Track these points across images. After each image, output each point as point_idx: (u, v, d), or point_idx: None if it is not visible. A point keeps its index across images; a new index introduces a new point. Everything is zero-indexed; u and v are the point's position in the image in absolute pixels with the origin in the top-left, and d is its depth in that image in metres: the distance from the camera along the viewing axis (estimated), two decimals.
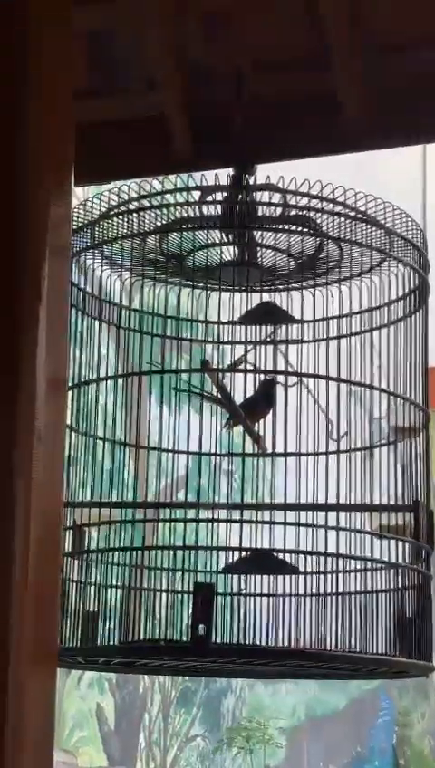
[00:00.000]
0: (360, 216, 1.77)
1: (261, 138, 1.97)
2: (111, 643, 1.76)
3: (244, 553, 1.75)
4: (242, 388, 1.85)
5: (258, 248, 1.87)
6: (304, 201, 1.75)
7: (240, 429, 1.92)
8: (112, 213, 1.81)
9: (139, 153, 2.17)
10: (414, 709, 8.84)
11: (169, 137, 2.14)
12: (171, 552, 1.78)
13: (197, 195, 1.79)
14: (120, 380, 1.86)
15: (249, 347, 1.89)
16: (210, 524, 1.72)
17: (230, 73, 1.97)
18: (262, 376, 1.86)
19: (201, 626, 1.57)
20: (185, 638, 1.67)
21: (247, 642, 1.79)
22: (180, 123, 2.13)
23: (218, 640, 1.70)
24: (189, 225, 1.81)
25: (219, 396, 1.87)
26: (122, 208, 1.81)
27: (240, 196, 1.81)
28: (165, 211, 1.79)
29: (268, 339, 1.90)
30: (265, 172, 1.84)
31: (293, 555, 1.75)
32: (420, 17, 2.00)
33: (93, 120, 2.11)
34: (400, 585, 1.80)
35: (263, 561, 1.78)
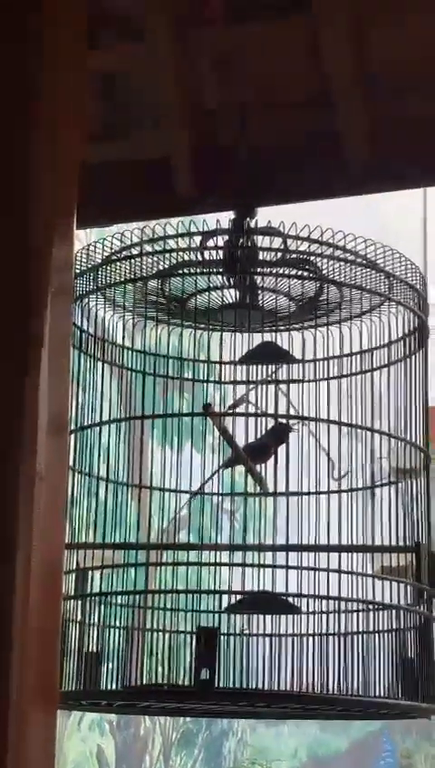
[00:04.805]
0: (360, 260, 1.79)
1: (263, 181, 1.99)
2: (114, 685, 1.75)
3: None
4: (244, 429, 1.85)
5: (259, 291, 1.88)
6: (305, 246, 1.77)
7: (242, 469, 1.92)
8: (115, 258, 1.83)
9: (142, 196, 2.19)
10: (417, 751, 8.75)
11: (172, 180, 2.16)
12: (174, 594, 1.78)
13: (198, 239, 1.81)
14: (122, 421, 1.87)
15: (250, 386, 1.89)
16: (212, 567, 1.72)
17: (234, 117, 1.99)
18: (266, 418, 1.86)
19: (205, 670, 1.57)
20: (187, 680, 1.66)
21: (249, 684, 1.78)
22: (184, 166, 2.15)
23: (221, 682, 1.69)
24: (191, 270, 1.83)
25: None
26: (125, 253, 1.83)
27: (241, 240, 1.82)
28: (167, 255, 1.81)
29: (269, 378, 1.91)
30: (266, 216, 1.86)
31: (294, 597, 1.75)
32: (422, 60, 2.01)
33: (97, 161, 2.13)
34: (401, 626, 1.79)
35: (265, 602, 1.77)
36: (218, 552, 1.73)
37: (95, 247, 1.86)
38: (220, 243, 1.82)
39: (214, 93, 2.14)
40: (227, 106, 2.09)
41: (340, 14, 1.94)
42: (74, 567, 1.79)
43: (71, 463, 1.81)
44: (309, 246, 1.77)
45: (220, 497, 1.89)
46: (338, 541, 1.74)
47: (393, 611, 1.79)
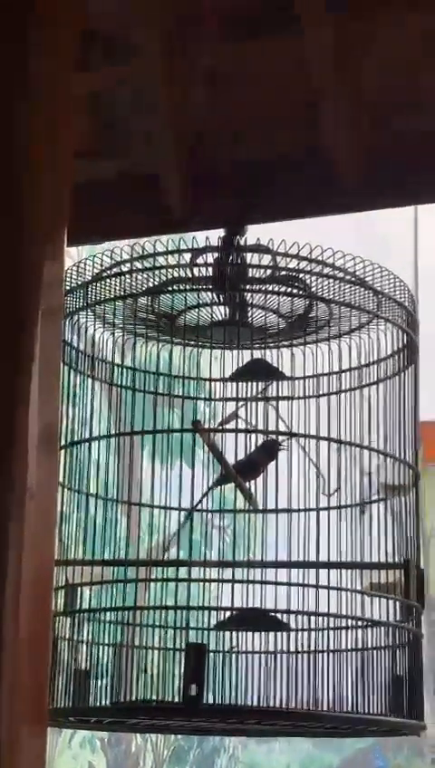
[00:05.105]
0: (349, 277, 1.80)
1: (253, 199, 2.00)
2: (104, 702, 1.75)
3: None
4: (233, 445, 1.86)
5: (249, 308, 1.89)
6: (294, 263, 1.78)
7: (232, 485, 1.92)
8: (105, 274, 1.84)
9: (133, 213, 2.19)
10: (409, 767, 8.73)
11: (163, 197, 2.16)
12: (163, 610, 1.78)
13: (188, 256, 1.82)
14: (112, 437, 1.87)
15: (240, 403, 1.90)
16: (202, 583, 1.72)
17: (224, 135, 2.00)
18: (256, 435, 1.86)
19: (193, 686, 1.57)
20: (177, 698, 1.66)
21: (239, 701, 1.78)
22: (175, 184, 2.15)
23: (211, 699, 1.69)
24: (181, 287, 1.84)
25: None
26: (115, 270, 1.84)
27: (231, 257, 1.83)
28: (157, 272, 1.82)
29: (259, 395, 1.91)
30: (255, 233, 1.87)
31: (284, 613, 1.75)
32: (414, 79, 2.02)
33: (87, 179, 2.14)
34: (391, 643, 1.80)
35: (255, 619, 1.78)
36: (209, 570, 1.73)
37: (85, 264, 1.87)
38: (210, 260, 1.83)
39: (205, 110, 2.15)
40: (219, 123, 2.09)
41: (327, 27, 1.94)
42: (64, 583, 1.79)
43: (61, 479, 1.81)
44: (298, 264, 1.78)
45: (210, 514, 1.89)
46: (328, 557, 1.75)
47: (382, 628, 1.79)
